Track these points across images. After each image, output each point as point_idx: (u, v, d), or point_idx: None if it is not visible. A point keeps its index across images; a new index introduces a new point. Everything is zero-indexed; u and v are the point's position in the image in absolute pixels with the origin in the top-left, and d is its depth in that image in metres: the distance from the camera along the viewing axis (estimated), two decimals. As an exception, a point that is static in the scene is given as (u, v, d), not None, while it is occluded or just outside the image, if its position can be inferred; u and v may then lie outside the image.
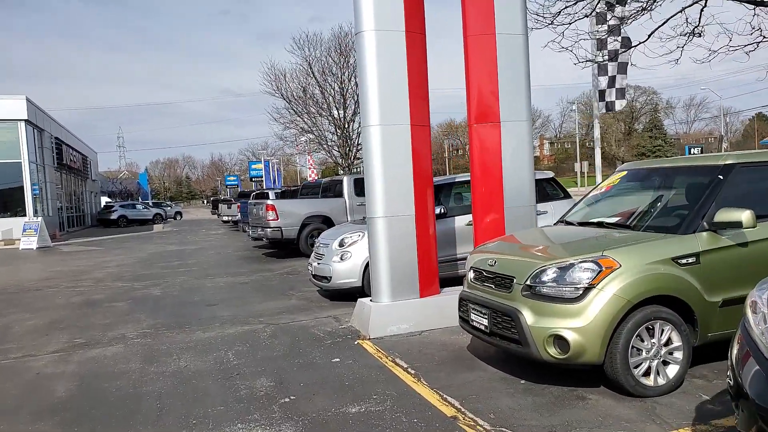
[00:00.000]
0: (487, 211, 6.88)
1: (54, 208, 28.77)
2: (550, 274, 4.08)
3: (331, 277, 8.07)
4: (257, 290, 9.87)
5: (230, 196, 65.05)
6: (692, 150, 56.62)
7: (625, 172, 5.38)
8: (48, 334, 7.29)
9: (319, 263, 8.41)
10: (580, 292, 3.92)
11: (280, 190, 25.81)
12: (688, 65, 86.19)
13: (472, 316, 4.74)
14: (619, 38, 13.61)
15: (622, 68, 14.13)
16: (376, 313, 6.35)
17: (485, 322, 4.54)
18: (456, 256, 8.16)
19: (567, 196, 9.34)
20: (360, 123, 32.19)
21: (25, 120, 24.39)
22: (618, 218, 4.75)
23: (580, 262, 4.00)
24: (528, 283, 4.17)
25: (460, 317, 5.14)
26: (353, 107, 31.76)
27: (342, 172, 32.76)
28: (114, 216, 38.92)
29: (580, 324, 3.86)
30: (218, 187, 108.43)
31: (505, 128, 6.83)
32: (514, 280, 4.29)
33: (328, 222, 14.14)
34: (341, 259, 8.06)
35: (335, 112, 31.90)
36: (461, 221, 8.39)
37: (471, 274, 5.00)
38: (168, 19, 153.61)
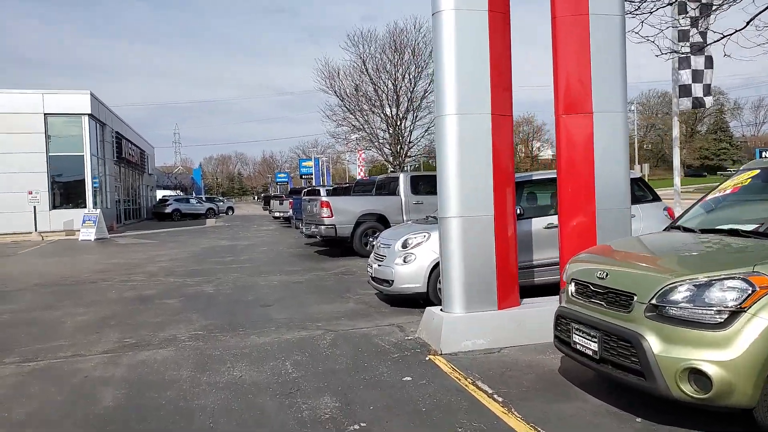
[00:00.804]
0: (575, 213, 6.12)
1: (112, 200, 29.32)
2: (683, 293, 3.33)
3: (392, 281, 7.46)
4: (312, 291, 9.35)
5: (280, 192, 65.62)
6: (764, 153, 53.31)
7: (757, 171, 4.53)
8: (99, 332, 6.95)
9: (379, 265, 7.81)
10: (725, 316, 3.16)
11: (331, 188, 25.45)
12: (759, 65, 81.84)
13: (576, 338, 4.02)
14: (704, 28, 12.49)
15: (710, 62, 12.98)
16: (448, 325, 5.69)
17: (594, 346, 3.81)
18: (533, 262, 7.40)
19: (656, 198, 8.44)
20: (412, 121, 31.81)
21: (89, 114, 24.83)
22: (758, 225, 3.92)
23: (724, 279, 3.23)
24: (654, 302, 3.42)
25: (556, 337, 4.42)
26: (406, 105, 31.17)
27: (392, 170, 32.19)
28: (168, 210, 39.51)
29: (726, 357, 3.10)
30: (269, 184, 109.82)
31: (598, 119, 6.05)
32: (635, 298, 3.55)
33: (382, 220, 13.57)
34: (404, 261, 7.42)
35: (388, 110, 31.36)
36: (538, 224, 7.62)
37: (572, 288, 4.27)
38: (222, 18, 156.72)
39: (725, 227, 4.13)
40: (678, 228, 4.63)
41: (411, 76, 30.24)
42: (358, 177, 41.65)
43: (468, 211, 5.80)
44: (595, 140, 6.05)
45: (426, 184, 14.30)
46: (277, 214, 29.54)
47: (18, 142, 23.49)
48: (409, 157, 32.58)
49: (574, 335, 4.05)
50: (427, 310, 6.22)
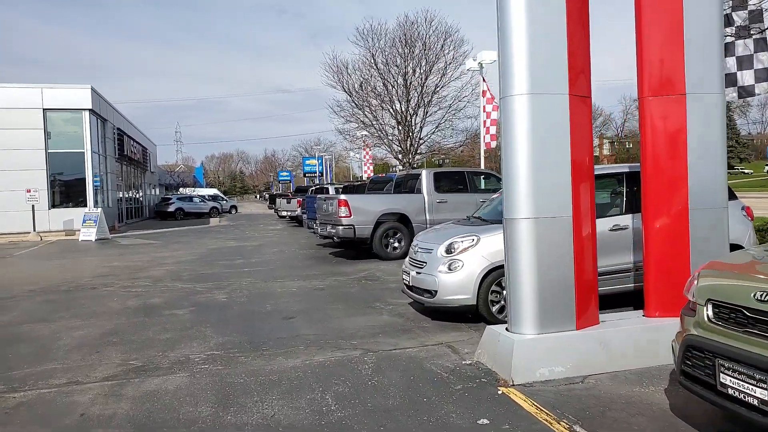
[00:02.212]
0: (662, 213, 5.16)
1: (114, 199, 28.35)
2: None
3: (436, 291, 6.48)
4: (337, 299, 8.38)
5: (282, 190, 64.61)
6: (776, 151, 52.26)
7: None
8: (99, 351, 5.98)
9: (418, 273, 6.83)
10: None
11: (341, 186, 24.48)
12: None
13: (727, 380, 3.04)
14: (751, 9, 11.47)
15: (760, 45, 11.94)
16: (521, 349, 4.71)
17: (761, 394, 2.84)
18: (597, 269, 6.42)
19: (733, 196, 7.45)
20: (422, 117, 30.78)
21: (90, 110, 23.84)
22: None
23: None
24: None
25: (684, 373, 3.44)
26: (416, 99, 30.17)
27: (401, 168, 31.21)
28: (171, 209, 38.54)
29: None
30: (271, 182, 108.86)
31: (693, 102, 5.09)
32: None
33: (404, 220, 12.60)
34: (449, 269, 6.45)
35: (397, 105, 30.36)
36: (603, 225, 6.63)
37: (708, 311, 3.30)
38: (224, 18, 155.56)
39: None
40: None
41: (422, 71, 29.26)
42: (365, 175, 40.69)
43: (542, 210, 4.82)
44: (689, 126, 5.09)
45: (450, 181, 13.35)
46: (283, 213, 28.56)
47: (16, 138, 22.50)
48: (420, 154, 31.59)
49: (723, 375, 3.07)
50: (488, 330, 5.24)
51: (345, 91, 30.58)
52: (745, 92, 12.81)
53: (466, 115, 30.28)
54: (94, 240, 20.58)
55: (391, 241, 12.48)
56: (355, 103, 30.64)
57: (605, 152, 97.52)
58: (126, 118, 32.96)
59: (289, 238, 19.76)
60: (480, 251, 6.37)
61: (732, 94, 12.92)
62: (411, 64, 29.58)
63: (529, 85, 4.77)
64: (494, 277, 6.36)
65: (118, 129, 29.63)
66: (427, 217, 12.63)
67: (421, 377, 4.84)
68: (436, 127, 30.36)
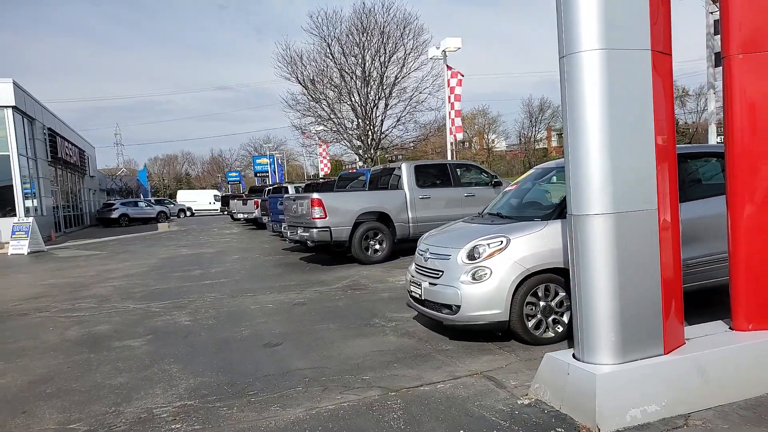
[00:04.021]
0: (754, 197, 4.12)
1: (48, 206, 25.96)
2: None
3: (458, 307, 5.28)
4: (326, 317, 7.08)
5: (231, 192, 62.25)
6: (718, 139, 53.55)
7: None
8: (26, 411, 4.51)
9: (432, 284, 5.62)
10: None
11: (302, 185, 23.04)
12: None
13: None
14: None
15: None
16: (605, 385, 3.56)
17: None
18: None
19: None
20: (383, 109, 29.46)
21: (13, 107, 21.51)
22: None
23: None
24: None
25: None
26: (376, 91, 28.94)
27: (362, 165, 29.96)
28: (115, 215, 36.10)
29: None
30: (219, 184, 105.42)
31: (793, 61, 4.04)
32: None
33: (384, 220, 11.38)
34: (474, 278, 5.26)
35: (356, 97, 29.02)
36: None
37: None
38: (162, 14, 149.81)
39: None
40: None
41: (381, 61, 28.03)
42: (321, 173, 39.17)
43: (623, 203, 3.69)
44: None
45: (432, 175, 12.19)
46: (239, 216, 26.85)
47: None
48: (381, 149, 30.39)
49: None
50: (549, 359, 4.07)
51: (300, 83, 29.05)
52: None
53: (428, 107, 29.28)
54: (26, 253, 18.48)
55: (372, 243, 11.24)
56: (311, 96, 29.14)
57: (554, 144, 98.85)
58: (58, 118, 30.41)
59: (249, 243, 18.21)
60: (511, 256, 5.21)
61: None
62: (369, 54, 28.31)
63: (603, 36, 3.62)
64: (529, 286, 5.23)
65: (50, 129, 27.16)
66: (410, 215, 11.45)
67: (473, 428, 3.64)
68: (398, 120, 29.23)
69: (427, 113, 31.84)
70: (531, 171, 6.84)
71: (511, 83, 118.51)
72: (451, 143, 21.56)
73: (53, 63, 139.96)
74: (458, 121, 21.42)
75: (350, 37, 27.93)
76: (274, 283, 9.84)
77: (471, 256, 5.37)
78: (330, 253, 12.57)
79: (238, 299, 8.61)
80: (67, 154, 30.59)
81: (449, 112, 21.15)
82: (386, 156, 43.49)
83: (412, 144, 33.99)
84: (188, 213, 49.75)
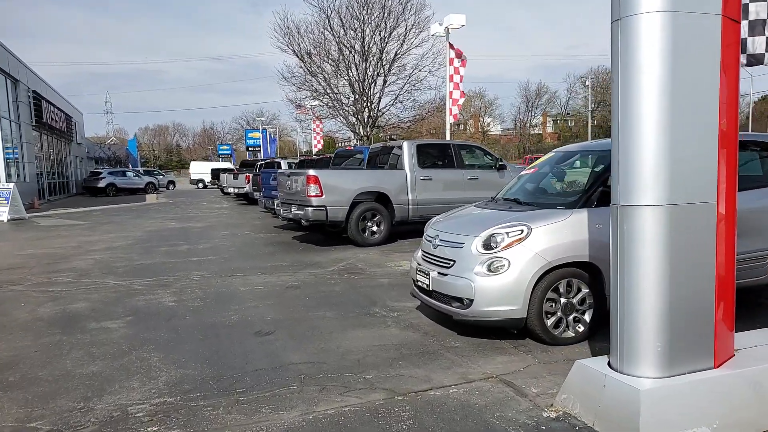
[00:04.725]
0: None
1: (32, 173, 25.17)
2: None
3: (471, 300, 4.78)
4: (321, 303, 6.58)
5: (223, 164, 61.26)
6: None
7: None
8: (-15, 402, 3.99)
9: (442, 273, 5.12)
10: None
11: (295, 161, 22.41)
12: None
13: None
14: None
15: (777, 11, 10.71)
16: (650, 402, 3.09)
17: None
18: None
19: None
20: (381, 86, 28.63)
21: (-5, 67, 20.66)
22: None
23: None
24: None
25: None
26: (374, 66, 28.16)
27: (358, 142, 29.29)
28: (102, 184, 35.25)
29: None
30: (210, 156, 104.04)
31: None
32: None
33: (383, 200, 10.84)
34: (490, 270, 4.76)
35: (354, 72, 28.22)
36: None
37: None
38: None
39: None
40: None
41: (381, 35, 27.22)
42: (314, 150, 38.41)
43: (680, 193, 3.18)
44: None
45: (434, 155, 11.64)
46: (229, 190, 26.19)
47: None
48: (378, 126, 29.69)
49: None
50: (580, 367, 3.59)
51: (296, 55, 28.18)
52: (755, 60, 11.55)
53: (427, 86, 28.58)
54: (6, 221, 17.80)
55: (369, 224, 10.71)
56: (308, 69, 28.31)
57: (549, 130, 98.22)
58: (44, 81, 29.42)
59: (239, 219, 17.62)
60: (532, 246, 4.71)
61: (741, 60, 11.60)
62: (369, 28, 27.47)
63: (668, -2, 3.08)
64: (550, 281, 4.74)
65: (35, 92, 26.22)
66: (410, 197, 10.92)
67: (497, 448, 3.17)
68: (396, 98, 28.50)
69: (426, 92, 31.13)
70: (551, 154, 6.32)
71: (506, 67, 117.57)
72: (451, 124, 20.98)
73: (43, 27, 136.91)
74: (461, 101, 20.88)
75: (350, 10, 27.08)
76: (265, 263, 9.31)
77: (487, 246, 4.86)
78: (324, 233, 12.04)
79: (227, 279, 8.08)
80: (52, 119, 29.66)
81: (451, 92, 20.53)
82: (381, 135, 42.88)
83: (408, 124, 33.33)
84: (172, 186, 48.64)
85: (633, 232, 3.25)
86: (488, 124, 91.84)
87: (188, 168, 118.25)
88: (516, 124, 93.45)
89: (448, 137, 20.56)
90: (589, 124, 69.21)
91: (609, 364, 3.47)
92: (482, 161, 12.18)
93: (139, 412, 3.76)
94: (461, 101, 20.73)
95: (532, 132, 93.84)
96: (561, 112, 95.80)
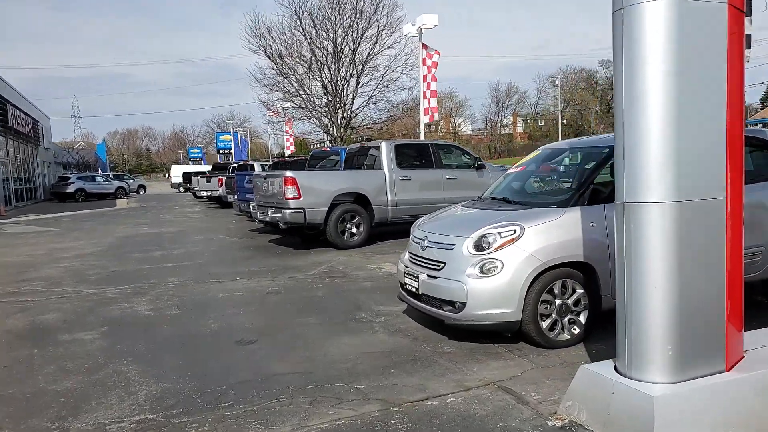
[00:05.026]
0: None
1: (-3, 178, 24.33)
2: None
3: (463, 304, 4.62)
4: (304, 309, 6.36)
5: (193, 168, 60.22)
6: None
7: None
8: (-52, 426, 3.69)
9: (433, 276, 4.95)
10: None
11: (269, 163, 22.08)
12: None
13: None
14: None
15: (748, 7, 10.88)
16: (664, 410, 2.96)
17: None
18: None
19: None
20: (354, 87, 28.40)
21: (-43, 69, 19.83)
22: None
23: None
24: None
25: None
26: (347, 68, 27.95)
27: (332, 144, 29.03)
28: (71, 189, 34.31)
29: None
30: (180, 160, 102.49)
31: None
32: None
33: (362, 201, 10.65)
34: (482, 272, 4.61)
35: (326, 73, 27.95)
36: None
37: None
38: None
39: None
40: None
41: (354, 36, 27.01)
42: (287, 152, 37.98)
43: (688, 189, 3.07)
44: None
45: (413, 155, 11.48)
46: (202, 194, 25.69)
47: None
48: (351, 127, 29.46)
49: None
50: (586, 373, 3.45)
51: (268, 56, 27.79)
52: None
53: (400, 87, 28.45)
54: (-29, 228, 17.12)
55: (349, 226, 10.50)
56: (280, 71, 27.94)
57: (519, 130, 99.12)
58: (9, 85, 28.50)
59: (213, 223, 17.24)
60: (525, 247, 4.57)
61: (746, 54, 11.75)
62: (342, 29, 27.23)
63: (673, -16, 2.96)
64: (544, 282, 4.61)
65: (0, 96, 25.37)
66: (389, 198, 10.74)
67: (504, 461, 3.01)
68: (368, 99, 28.32)
69: (399, 93, 30.96)
70: (537, 151, 6.21)
71: (474, 68, 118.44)
72: (426, 124, 20.88)
73: (7, 29, 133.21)
74: (434, 102, 20.76)
75: (322, 11, 26.81)
76: (243, 268, 9.04)
77: (479, 247, 4.71)
78: (302, 235, 11.79)
79: (205, 285, 7.80)
80: (18, 123, 28.75)
81: (424, 92, 20.43)
82: (352, 136, 42.71)
83: (380, 126, 33.17)
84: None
85: (640, 231, 3.12)
86: (459, 124, 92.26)
87: (159, 172, 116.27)
88: (487, 124, 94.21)
89: (422, 138, 20.47)
90: (560, 124, 69.98)
91: (616, 368, 3.34)
92: (461, 161, 12.08)
93: (119, 431, 3.51)
94: (434, 102, 20.63)
95: (502, 132, 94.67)
96: (531, 112, 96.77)
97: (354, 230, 10.56)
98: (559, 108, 73.46)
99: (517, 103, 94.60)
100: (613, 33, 3.21)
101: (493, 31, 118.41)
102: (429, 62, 20.28)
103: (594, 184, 4.97)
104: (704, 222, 3.11)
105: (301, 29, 27.29)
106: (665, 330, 3.10)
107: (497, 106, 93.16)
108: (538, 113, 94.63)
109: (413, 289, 5.18)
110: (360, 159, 11.93)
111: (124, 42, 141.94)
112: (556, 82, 77.30)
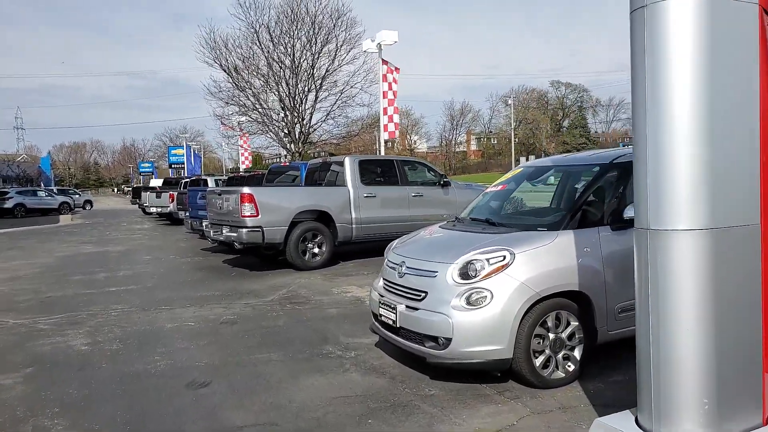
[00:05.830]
0: None
1: (-75, 193, 22.54)
2: None
3: (448, 340, 4.10)
4: (264, 342, 5.70)
5: (143, 183, 58.25)
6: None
7: None
8: None
9: (413, 307, 4.41)
10: None
11: (223, 178, 21.24)
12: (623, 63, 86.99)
13: None
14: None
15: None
16: (704, 476, 2.50)
17: None
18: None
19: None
20: (312, 102, 27.78)
21: None
22: None
23: None
24: None
25: None
26: (305, 82, 27.39)
27: (288, 158, 28.32)
28: (9, 204, 32.42)
29: None
30: (131, 175, 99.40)
31: None
32: None
33: (325, 219, 10.06)
34: (469, 303, 4.10)
35: (283, 87, 27.30)
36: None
37: None
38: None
39: None
40: None
41: (312, 51, 26.49)
42: (242, 167, 37.00)
43: (721, 216, 2.64)
44: None
45: (378, 172, 11.00)
46: (151, 210, 24.53)
47: None
48: (310, 142, 28.82)
49: None
50: (601, 427, 2.96)
51: (224, 69, 26.97)
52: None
53: (359, 102, 28.04)
54: None
55: (310, 245, 9.88)
56: (236, 84, 27.13)
57: (473, 148, 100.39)
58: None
59: (163, 241, 16.28)
60: (516, 275, 4.09)
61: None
62: (300, 43, 26.70)
63: (705, -20, 2.56)
64: (537, 314, 4.13)
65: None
66: (353, 215, 10.19)
67: None
68: (327, 114, 27.79)
69: (359, 109, 30.57)
70: (519, 169, 5.78)
71: (428, 85, 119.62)
72: (385, 141, 20.51)
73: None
74: (396, 118, 20.40)
75: (279, 25, 26.22)
76: (195, 293, 8.29)
77: (465, 274, 4.20)
78: (259, 255, 11.09)
79: (151, 314, 7.04)
80: (-50, 134, 26.91)
81: (385, 108, 20.04)
82: (310, 151, 42.03)
83: (336, 142, 32.65)
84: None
85: (669, 263, 2.67)
86: (415, 141, 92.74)
87: (108, 186, 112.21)
88: (441, 141, 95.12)
89: (382, 153, 20.07)
90: (513, 142, 70.95)
91: (637, 421, 2.87)
92: (426, 177, 11.67)
93: None
94: (396, 118, 20.26)
95: (457, 149, 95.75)
96: (484, 130, 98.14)
97: (316, 250, 9.94)
98: (512, 126, 74.55)
99: (471, 121, 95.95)
100: (630, 35, 2.78)
101: (447, 50, 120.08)
102: (390, 78, 19.95)
103: (586, 206, 4.57)
104: (740, 250, 2.69)
105: (258, 43, 26.63)
106: (700, 380, 2.65)
107: (452, 124, 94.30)
108: (491, 132, 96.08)
109: (390, 322, 4.62)
110: (322, 175, 11.37)
111: (73, 55, 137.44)
112: (509, 101, 78.57)
